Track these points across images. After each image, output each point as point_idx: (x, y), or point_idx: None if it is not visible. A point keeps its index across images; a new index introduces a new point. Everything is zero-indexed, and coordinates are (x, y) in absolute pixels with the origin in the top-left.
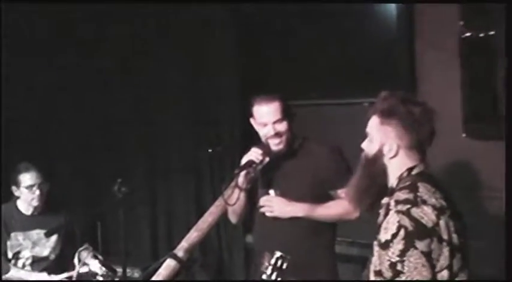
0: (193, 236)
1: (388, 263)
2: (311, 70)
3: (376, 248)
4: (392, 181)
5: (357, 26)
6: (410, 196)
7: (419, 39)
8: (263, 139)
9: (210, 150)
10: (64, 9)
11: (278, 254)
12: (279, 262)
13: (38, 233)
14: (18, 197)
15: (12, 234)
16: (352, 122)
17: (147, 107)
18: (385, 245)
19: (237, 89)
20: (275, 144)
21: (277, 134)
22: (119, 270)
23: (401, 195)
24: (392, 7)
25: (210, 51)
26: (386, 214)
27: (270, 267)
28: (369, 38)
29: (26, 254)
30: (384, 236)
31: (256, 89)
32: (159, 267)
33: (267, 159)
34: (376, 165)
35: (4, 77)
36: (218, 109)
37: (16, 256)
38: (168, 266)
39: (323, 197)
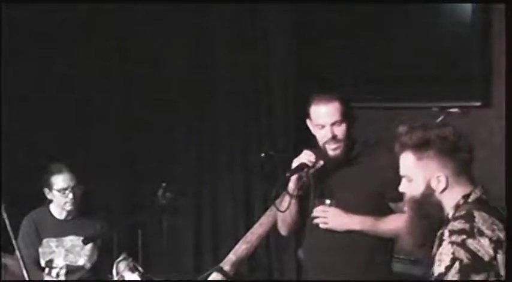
0: (241, 248)
1: None
2: (376, 71)
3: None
4: (448, 210)
5: (428, 23)
6: (466, 226)
7: (496, 40)
8: (320, 143)
9: (262, 155)
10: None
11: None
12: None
13: (71, 240)
14: (51, 201)
15: (45, 241)
16: None
17: (195, 106)
18: (439, 279)
19: (292, 89)
20: (332, 149)
21: (335, 138)
22: None
23: (457, 225)
24: (467, 6)
25: (265, 48)
26: (439, 245)
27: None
28: (440, 36)
29: (60, 263)
30: (437, 268)
31: (314, 88)
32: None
33: (321, 162)
34: (429, 204)
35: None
36: (272, 110)
37: (49, 265)
38: (213, 280)
39: (383, 209)
